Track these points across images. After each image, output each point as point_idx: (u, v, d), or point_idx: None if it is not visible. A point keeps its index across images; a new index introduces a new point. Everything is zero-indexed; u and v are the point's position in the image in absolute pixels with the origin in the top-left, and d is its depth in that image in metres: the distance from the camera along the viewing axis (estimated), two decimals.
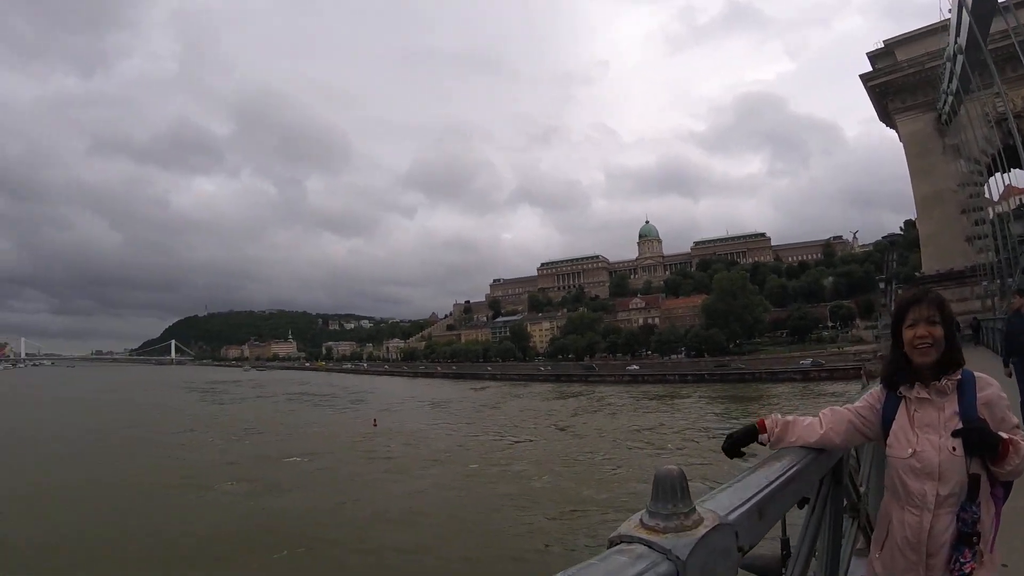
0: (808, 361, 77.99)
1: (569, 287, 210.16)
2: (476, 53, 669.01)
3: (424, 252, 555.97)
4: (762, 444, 2.25)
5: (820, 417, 2.26)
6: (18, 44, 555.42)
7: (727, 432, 2.31)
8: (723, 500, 1.39)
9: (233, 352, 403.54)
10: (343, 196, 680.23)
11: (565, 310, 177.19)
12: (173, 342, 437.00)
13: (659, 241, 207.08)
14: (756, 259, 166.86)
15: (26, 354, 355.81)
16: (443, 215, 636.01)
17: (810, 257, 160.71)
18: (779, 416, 2.27)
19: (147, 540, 17.18)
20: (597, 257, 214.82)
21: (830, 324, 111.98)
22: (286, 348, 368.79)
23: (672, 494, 1.14)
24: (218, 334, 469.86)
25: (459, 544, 15.99)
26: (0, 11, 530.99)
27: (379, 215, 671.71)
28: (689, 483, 1.15)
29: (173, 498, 22.47)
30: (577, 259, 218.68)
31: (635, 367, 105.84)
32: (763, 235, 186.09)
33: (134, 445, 36.32)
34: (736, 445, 2.23)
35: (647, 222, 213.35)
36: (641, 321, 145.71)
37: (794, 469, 1.89)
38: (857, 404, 2.32)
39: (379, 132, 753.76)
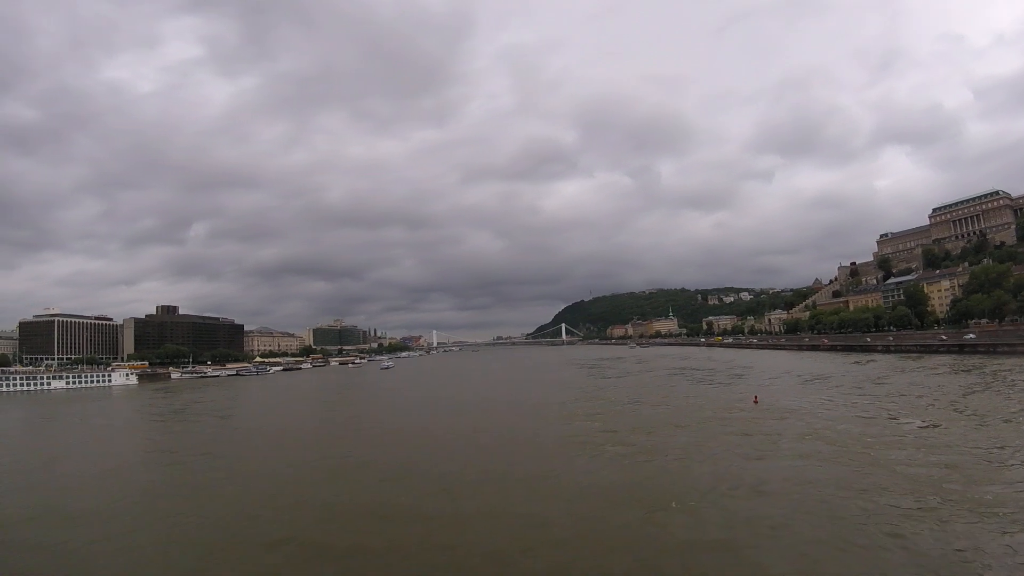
0: None
1: (968, 235, 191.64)
2: None
3: (793, 215, 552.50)
4: None
5: None
6: (380, 117, 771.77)
7: None
8: None
9: (617, 331, 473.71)
10: (696, 173, 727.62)
11: (966, 263, 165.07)
12: (563, 325, 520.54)
13: None
14: None
15: (437, 343, 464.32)
16: (804, 173, 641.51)
17: None
18: None
19: (554, 486, 22.36)
20: (997, 193, 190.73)
21: None
22: (667, 325, 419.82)
23: None
24: (602, 315, 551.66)
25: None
26: (360, 94, 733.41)
27: (736, 185, 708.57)
28: None
29: (571, 456, 27.41)
30: (972, 199, 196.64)
31: (972, 335, 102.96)
32: None
33: (540, 410, 47.50)
34: None
35: None
36: None
37: None
38: None
39: (717, 104, 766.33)
